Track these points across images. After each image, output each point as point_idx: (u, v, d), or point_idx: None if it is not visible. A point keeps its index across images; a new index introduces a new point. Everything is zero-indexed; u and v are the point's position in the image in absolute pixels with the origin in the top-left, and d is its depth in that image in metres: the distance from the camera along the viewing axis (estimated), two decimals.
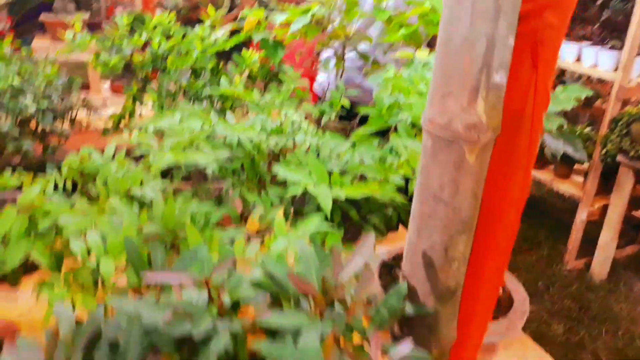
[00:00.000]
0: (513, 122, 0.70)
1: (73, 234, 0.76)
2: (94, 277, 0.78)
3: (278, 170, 0.86)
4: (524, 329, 1.42)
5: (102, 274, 0.69)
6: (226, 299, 0.62)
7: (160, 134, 1.08)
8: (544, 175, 3.09)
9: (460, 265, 0.74)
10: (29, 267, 0.88)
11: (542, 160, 3.05)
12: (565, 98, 1.20)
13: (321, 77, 2.10)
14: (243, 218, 1.06)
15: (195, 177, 1.20)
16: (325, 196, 0.81)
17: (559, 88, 1.30)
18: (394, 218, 1.09)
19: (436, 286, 0.75)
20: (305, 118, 1.23)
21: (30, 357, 0.56)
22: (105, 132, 1.56)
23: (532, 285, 2.86)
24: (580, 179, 3.03)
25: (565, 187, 2.99)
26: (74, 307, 0.76)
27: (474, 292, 0.81)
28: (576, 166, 3.04)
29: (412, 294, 0.77)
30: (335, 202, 0.96)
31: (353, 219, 1.01)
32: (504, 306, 1.38)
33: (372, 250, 0.66)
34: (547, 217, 3.55)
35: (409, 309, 0.75)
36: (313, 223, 0.76)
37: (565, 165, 2.98)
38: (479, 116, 0.64)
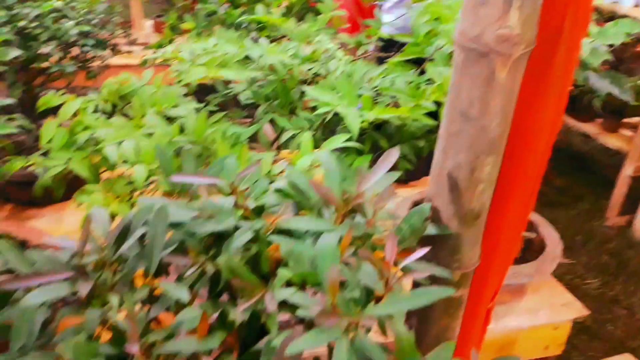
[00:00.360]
0: (549, 40, 0.68)
1: (109, 144, 0.79)
2: (129, 187, 0.81)
3: (308, 91, 0.86)
4: (558, 281, 1.41)
5: (135, 180, 0.72)
6: (251, 204, 0.64)
7: (195, 59, 1.09)
8: (591, 129, 2.98)
9: (486, 188, 0.74)
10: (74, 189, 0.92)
11: (589, 113, 2.93)
12: (615, 33, 1.14)
13: (387, 18, 2.05)
14: (273, 144, 1.07)
15: (229, 103, 1.21)
16: (353, 117, 0.81)
17: (610, 23, 1.24)
18: (425, 149, 1.08)
19: (460, 208, 0.75)
20: (341, 48, 1.22)
21: (64, 248, 0.60)
22: (143, 62, 1.59)
23: (569, 239, 2.81)
24: (629, 132, 2.91)
25: (613, 141, 2.88)
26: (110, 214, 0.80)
27: (500, 219, 0.80)
28: (626, 120, 2.92)
29: (435, 215, 0.77)
30: (364, 131, 0.96)
31: (383, 149, 1.01)
32: (535, 250, 1.37)
33: (392, 163, 0.66)
34: (591, 172, 3.44)
35: (430, 229, 0.75)
36: (339, 140, 0.76)
37: (614, 118, 2.86)
38: (512, 27, 0.62)
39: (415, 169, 1.06)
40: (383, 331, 0.52)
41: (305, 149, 0.77)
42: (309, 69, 1.08)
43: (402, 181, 1.23)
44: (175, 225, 0.59)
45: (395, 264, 0.56)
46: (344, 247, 0.54)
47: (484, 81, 0.66)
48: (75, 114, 0.99)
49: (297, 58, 1.09)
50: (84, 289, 0.54)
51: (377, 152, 1.01)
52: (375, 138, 0.99)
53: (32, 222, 1.48)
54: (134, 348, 0.50)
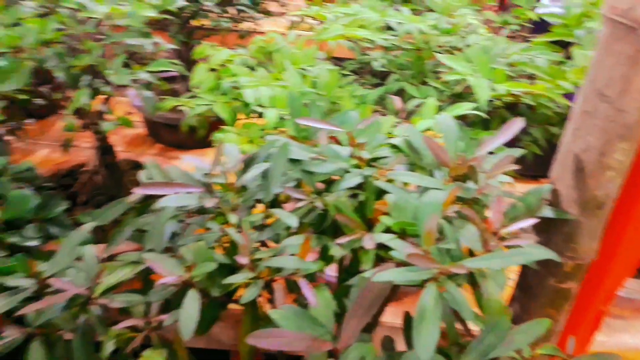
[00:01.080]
0: None
1: (248, 88, 0.86)
2: (260, 132, 0.88)
3: (442, 59, 0.86)
4: None
5: (266, 124, 0.78)
6: (365, 155, 0.67)
7: (336, 20, 1.13)
8: None
9: (614, 177, 0.69)
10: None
11: None
12: None
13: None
14: (399, 113, 1.09)
15: (363, 70, 1.25)
16: (482, 87, 0.80)
17: None
18: (558, 138, 1.03)
19: (582, 193, 0.71)
20: (486, 25, 1.19)
21: (198, 168, 0.68)
22: (292, 26, 1.67)
23: None
24: None
25: None
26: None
27: (626, 214, 0.75)
28: None
29: (555, 198, 0.74)
30: (495, 109, 0.94)
31: None
32: None
33: (514, 133, 0.65)
34: None
35: (547, 211, 0.72)
36: (463, 107, 0.76)
37: None
38: None
39: (546, 162, 1.02)
40: (474, 287, 0.53)
41: (427, 112, 0.78)
42: (447, 42, 1.08)
43: (530, 176, 1.19)
44: (294, 162, 0.64)
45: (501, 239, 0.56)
46: (448, 203, 0.55)
47: (628, 59, 0.62)
48: (223, 65, 1.09)
49: (436, 29, 1.08)
50: (210, 203, 0.61)
51: None
52: (506, 117, 0.96)
53: (176, 162, 1.65)
54: (244, 260, 0.56)
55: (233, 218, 0.62)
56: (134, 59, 1.04)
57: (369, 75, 1.23)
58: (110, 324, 0.60)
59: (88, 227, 0.68)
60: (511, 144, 1.01)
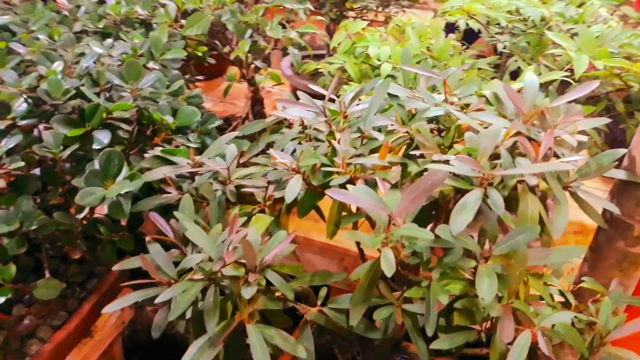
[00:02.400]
0: None
1: (373, 47, 1.03)
2: None
3: (549, 34, 0.95)
4: None
5: (381, 72, 0.94)
6: (454, 100, 0.80)
7: None
8: None
9: None
10: None
11: None
12: None
13: None
14: None
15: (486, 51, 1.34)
16: (580, 60, 0.87)
17: None
18: None
19: None
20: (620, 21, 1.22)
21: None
22: (435, 15, 1.80)
23: None
24: None
25: None
26: None
27: None
28: None
29: (631, 163, 0.80)
30: (600, 93, 1.00)
31: (619, 114, 1.03)
32: None
33: (589, 90, 0.73)
34: None
35: (619, 173, 0.79)
36: (555, 74, 0.85)
37: None
38: None
39: None
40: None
41: (524, 77, 0.88)
42: (570, 29, 1.14)
43: None
44: (393, 97, 0.79)
45: None
46: (507, 135, 0.66)
47: None
48: (359, 34, 1.26)
49: (561, 17, 1.15)
50: (321, 119, 0.79)
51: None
52: (613, 100, 1.02)
53: None
54: (338, 159, 0.72)
55: (337, 135, 0.79)
56: (289, 22, 1.26)
57: (493, 56, 1.33)
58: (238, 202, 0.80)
59: (232, 134, 0.90)
60: (616, 125, 1.06)
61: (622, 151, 0.79)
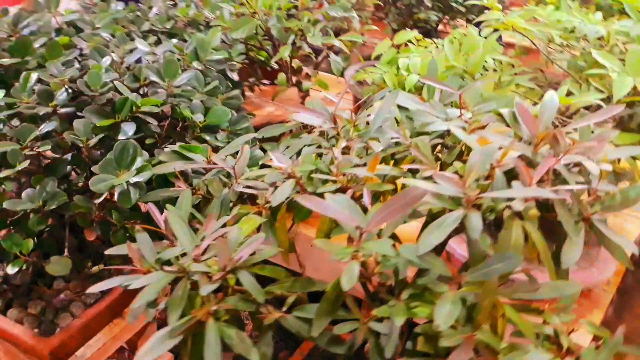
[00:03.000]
0: None
1: (403, 59, 1.00)
2: None
3: (596, 55, 0.88)
4: None
5: (408, 83, 0.92)
6: (467, 115, 0.76)
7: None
8: None
9: None
10: None
11: None
12: None
13: None
14: None
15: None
16: (622, 83, 0.80)
17: None
18: None
19: None
20: None
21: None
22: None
23: None
24: None
25: None
26: None
27: None
28: None
29: None
30: None
31: None
32: None
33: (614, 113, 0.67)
34: None
35: None
36: (589, 95, 0.78)
37: None
38: None
39: None
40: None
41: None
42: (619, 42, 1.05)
43: None
44: (402, 109, 0.77)
45: None
46: (503, 156, 0.62)
47: None
48: (406, 45, 1.23)
49: (625, 36, 1.06)
50: (327, 125, 0.79)
51: None
52: None
53: None
54: (334, 168, 0.71)
55: (342, 142, 0.78)
56: (338, 31, 1.26)
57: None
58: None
59: (251, 135, 0.92)
60: None
61: None
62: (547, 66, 1.27)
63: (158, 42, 1.23)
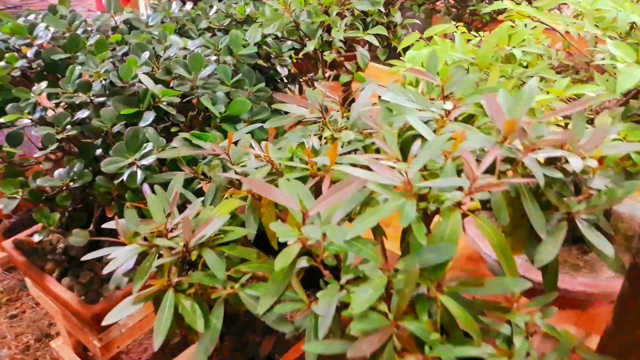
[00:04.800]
0: None
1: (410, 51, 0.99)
2: None
3: (609, 45, 0.82)
4: None
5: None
6: (449, 107, 0.75)
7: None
8: None
9: None
10: None
11: None
12: None
13: None
14: None
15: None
16: (628, 74, 0.74)
17: None
18: None
19: None
20: None
21: None
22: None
23: None
24: None
25: None
26: None
27: None
28: None
29: None
30: None
31: None
32: None
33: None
34: None
35: (635, 209, 0.66)
36: (584, 88, 0.72)
37: None
38: None
39: None
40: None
41: (555, 89, 0.78)
42: None
43: None
44: (381, 100, 0.78)
45: None
46: (454, 146, 0.61)
47: None
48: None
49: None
50: (311, 117, 0.81)
51: None
52: None
53: None
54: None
55: (327, 132, 0.80)
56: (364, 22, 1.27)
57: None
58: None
59: (257, 125, 0.96)
60: None
61: (637, 184, 0.66)
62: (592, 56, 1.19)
63: None
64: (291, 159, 0.78)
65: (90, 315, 1.23)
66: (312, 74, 1.72)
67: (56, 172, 0.95)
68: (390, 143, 0.69)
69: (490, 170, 0.63)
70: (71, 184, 0.95)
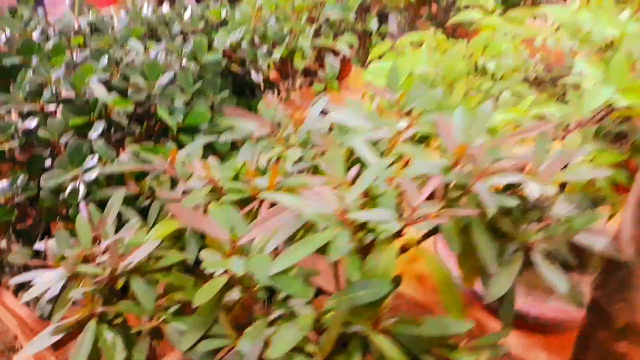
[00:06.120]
0: None
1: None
2: None
3: (577, 62, 0.77)
4: None
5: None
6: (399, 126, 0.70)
7: None
8: None
9: None
10: None
11: None
12: None
13: None
14: None
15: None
16: (595, 94, 0.69)
17: None
18: None
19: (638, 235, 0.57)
20: None
21: None
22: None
23: None
24: None
25: None
26: None
27: None
28: None
29: (618, 233, 0.61)
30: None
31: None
32: None
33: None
34: None
35: (597, 242, 0.61)
36: (547, 106, 0.68)
37: None
38: None
39: None
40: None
41: (518, 108, 0.74)
42: None
43: None
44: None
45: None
46: (397, 172, 0.56)
47: None
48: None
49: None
50: (264, 132, 0.76)
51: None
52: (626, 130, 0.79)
53: None
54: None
55: (277, 149, 0.75)
56: (337, 29, 1.21)
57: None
58: None
59: (207, 138, 0.91)
60: None
61: (599, 215, 0.61)
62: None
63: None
64: (236, 178, 0.73)
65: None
66: (287, 80, 1.67)
67: None
68: (336, 165, 0.64)
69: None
70: (15, 198, 0.90)
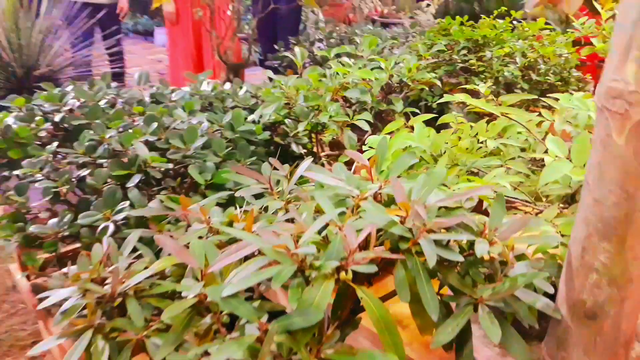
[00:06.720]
0: None
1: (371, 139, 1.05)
2: None
3: (548, 143, 0.84)
4: None
5: None
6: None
7: None
8: None
9: (601, 284, 0.58)
10: None
11: None
12: None
13: None
14: None
15: None
16: (553, 168, 0.76)
17: None
18: None
19: (569, 293, 0.61)
20: None
21: None
22: None
23: None
24: None
25: None
26: None
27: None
28: None
29: (555, 293, 0.65)
30: None
31: None
32: None
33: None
34: None
35: (538, 301, 0.66)
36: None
37: None
38: (627, 82, 0.50)
39: None
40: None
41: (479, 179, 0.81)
42: None
43: None
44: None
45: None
46: (345, 219, 0.65)
47: (600, 144, 0.55)
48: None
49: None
50: (260, 187, 0.88)
51: None
52: None
53: None
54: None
55: (274, 203, 0.86)
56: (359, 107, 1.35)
57: None
58: None
59: (226, 193, 1.04)
60: None
61: (542, 274, 0.67)
62: None
63: None
64: (229, 225, 0.84)
65: None
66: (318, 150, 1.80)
67: (50, 222, 1.07)
68: (306, 216, 0.74)
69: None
70: (61, 233, 1.06)
